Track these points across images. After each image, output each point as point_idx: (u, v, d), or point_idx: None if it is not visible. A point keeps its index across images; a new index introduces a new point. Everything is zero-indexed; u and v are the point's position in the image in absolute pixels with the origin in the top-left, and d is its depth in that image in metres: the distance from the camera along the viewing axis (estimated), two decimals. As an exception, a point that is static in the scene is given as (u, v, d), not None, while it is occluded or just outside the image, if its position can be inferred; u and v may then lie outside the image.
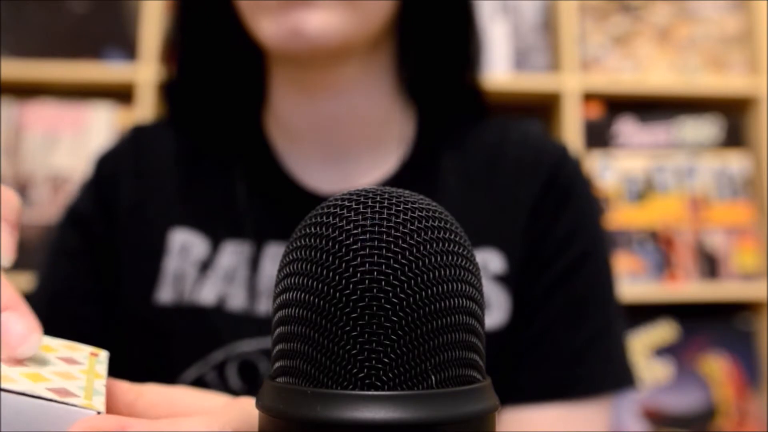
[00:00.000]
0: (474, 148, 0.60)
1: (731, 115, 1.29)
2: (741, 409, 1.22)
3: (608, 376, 0.54)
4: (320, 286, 0.22)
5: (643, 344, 1.23)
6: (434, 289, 0.22)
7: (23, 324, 0.27)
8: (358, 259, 0.22)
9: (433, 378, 0.22)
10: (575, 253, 0.55)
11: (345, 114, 0.57)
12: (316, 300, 0.22)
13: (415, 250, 0.22)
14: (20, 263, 1.26)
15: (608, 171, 1.26)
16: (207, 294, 0.55)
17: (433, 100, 0.61)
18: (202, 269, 0.56)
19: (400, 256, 0.22)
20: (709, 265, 1.24)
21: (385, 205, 0.23)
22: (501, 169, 0.58)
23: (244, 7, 0.53)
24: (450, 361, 0.22)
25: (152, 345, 0.55)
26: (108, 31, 1.25)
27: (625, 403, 1.21)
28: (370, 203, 0.23)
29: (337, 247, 0.22)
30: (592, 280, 0.56)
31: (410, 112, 0.61)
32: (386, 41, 0.57)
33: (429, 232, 0.23)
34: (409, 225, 0.23)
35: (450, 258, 0.23)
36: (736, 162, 1.27)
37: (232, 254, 0.56)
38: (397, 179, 0.57)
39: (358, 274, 0.22)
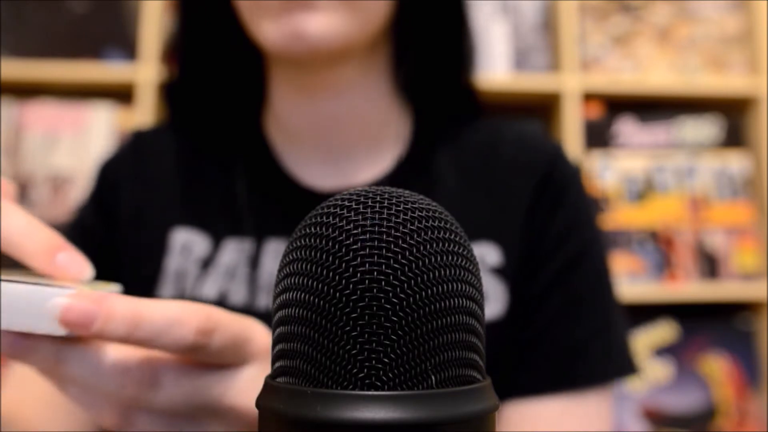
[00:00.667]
0: (469, 146, 0.60)
1: (731, 115, 1.29)
2: (741, 409, 1.22)
3: (609, 365, 0.54)
4: (320, 286, 0.22)
5: (643, 344, 1.23)
6: (434, 289, 0.22)
7: (77, 261, 0.36)
8: (358, 259, 0.22)
9: (433, 378, 0.22)
10: (572, 250, 0.56)
11: (344, 114, 0.58)
12: (316, 300, 0.22)
13: (415, 250, 0.22)
14: (20, 263, 1.25)
15: (608, 171, 1.26)
16: (208, 290, 0.56)
17: (428, 100, 0.62)
18: (203, 267, 0.57)
19: (400, 256, 0.22)
20: (709, 265, 1.24)
21: (385, 205, 0.23)
22: (496, 168, 0.59)
23: (244, 9, 0.53)
24: (450, 361, 0.22)
25: None
26: (108, 31, 1.25)
27: (625, 403, 1.21)
28: (370, 203, 0.23)
29: (337, 247, 0.22)
30: (590, 275, 0.56)
31: (406, 112, 0.62)
32: (383, 42, 0.58)
33: (429, 232, 0.23)
34: (409, 225, 0.23)
35: (450, 258, 0.23)
36: (736, 162, 1.27)
37: (233, 251, 0.57)
38: (394, 176, 0.58)
39: (358, 274, 0.22)
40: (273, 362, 0.24)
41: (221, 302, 0.55)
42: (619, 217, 1.24)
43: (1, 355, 0.33)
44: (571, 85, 1.23)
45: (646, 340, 1.24)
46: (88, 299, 0.30)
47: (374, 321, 0.21)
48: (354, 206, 0.23)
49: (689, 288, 1.21)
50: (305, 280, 0.22)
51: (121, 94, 1.22)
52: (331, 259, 0.22)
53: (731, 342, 1.24)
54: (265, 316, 0.57)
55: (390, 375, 0.21)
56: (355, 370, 0.21)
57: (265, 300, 0.56)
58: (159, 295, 0.57)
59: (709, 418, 1.22)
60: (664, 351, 1.24)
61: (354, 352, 0.21)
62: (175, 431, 0.34)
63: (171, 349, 0.31)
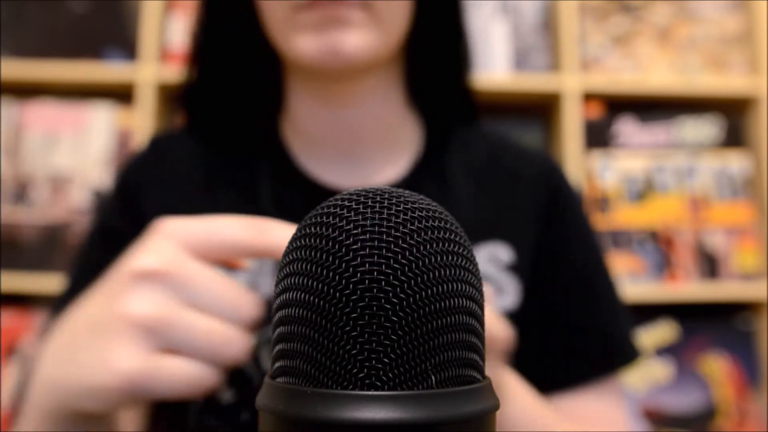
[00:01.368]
0: (476, 150, 0.65)
1: (731, 115, 1.29)
2: (741, 409, 1.22)
3: (629, 349, 0.61)
4: (320, 286, 0.22)
5: (643, 344, 1.23)
6: (434, 289, 0.22)
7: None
8: (358, 259, 0.22)
9: (433, 378, 0.22)
10: (580, 252, 0.63)
11: (362, 122, 0.61)
12: (316, 300, 0.22)
13: (415, 250, 0.22)
14: (20, 263, 1.25)
15: (608, 171, 1.26)
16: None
17: (437, 105, 0.66)
18: (227, 269, 0.57)
19: (400, 256, 0.22)
20: (709, 265, 1.24)
21: (385, 205, 0.23)
22: (501, 172, 0.64)
23: (274, 22, 0.55)
24: (450, 361, 0.22)
25: None
26: (108, 31, 1.25)
27: (625, 403, 1.21)
28: (370, 203, 0.23)
29: (336, 247, 0.22)
30: (600, 269, 0.63)
31: (417, 117, 0.66)
32: (397, 53, 0.61)
33: (429, 232, 0.23)
34: (409, 225, 0.23)
35: (450, 258, 0.23)
36: (736, 162, 1.27)
37: None
38: (410, 179, 0.62)
39: (358, 274, 0.22)
40: (273, 362, 0.24)
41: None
42: (619, 217, 1.24)
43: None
44: (571, 85, 1.23)
45: (646, 340, 1.24)
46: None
47: (374, 321, 0.21)
48: (354, 206, 0.23)
49: (689, 288, 1.21)
50: (305, 280, 0.22)
51: (121, 94, 1.22)
52: (331, 259, 0.22)
53: (731, 342, 1.24)
54: None
55: (390, 375, 0.21)
56: (355, 370, 0.21)
57: None
58: None
59: (709, 418, 1.22)
60: (664, 351, 1.24)
61: (354, 352, 0.21)
62: None
63: None
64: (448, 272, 0.23)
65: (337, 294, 0.22)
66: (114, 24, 1.26)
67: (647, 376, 1.23)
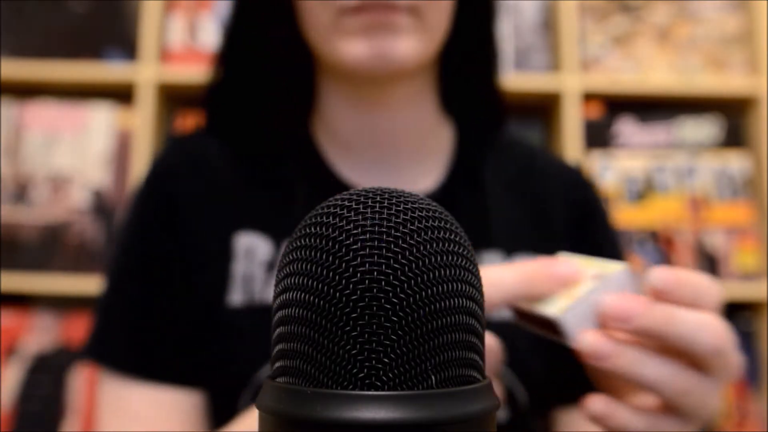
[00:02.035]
0: (509, 159, 0.66)
1: (731, 115, 1.29)
2: (741, 409, 1.22)
3: None
4: (320, 286, 0.22)
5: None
6: (434, 289, 0.22)
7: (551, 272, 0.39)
8: (358, 259, 0.22)
9: (433, 378, 0.22)
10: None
11: (398, 127, 0.60)
12: (316, 300, 0.22)
13: (415, 250, 0.22)
14: (20, 263, 1.25)
15: (608, 171, 1.26)
16: None
17: (471, 111, 0.66)
18: (268, 269, 0.58)
19: (400, 256, 0.22)
20: (709, 265, 1.24)
21: (385, 205, 0.23)
22: (531, 184, 0.65)
23: (318, 26, 0.54)
24: (450, 361, 0.22)
25: (225, 347, 0.56)
26: (108, 31, 1.25)
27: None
28: (370, 203, 0.23)
29: (337, 247, 0.22)
30: None
31: (449, 122, 0.66)
32: (433, 59, 0.61)
33: (429, 232, 0.23)
34: (409, 225, 0.23)
35: (450, 258, 0.23)
36: (736, 162, 1.27)
37: None
38: (446, 187, 0.62)
39: (358, 274, 0.22)
40: (273, 362, 0.24)
41: None
42: (619, 217, 1.24)
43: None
44: (571, 85, 1.23)
45: (646, 340, 1.24)
46: (626, 297, 0.36)
47: (374, 321, 0.21)
48: (354, 206, 0.23)
49: (689, 288, 1.21)
50: (305, 280, 0.22)
51: (121, 94, 1.22)
52: (331, 259, 0.22)
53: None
54: None
55: (390, 375, 0.21)
56: (355, 370, 0.21)
57: None
58: (229, 300, 0.57)
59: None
60: (664, 351, 1.24)
61: (354, 352, 0.21)
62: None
63: (697, 352, 0.36)
64: (448, 272, 0.23)
65: (337, 294, 0.22)
66: (114, 24, 1.26)
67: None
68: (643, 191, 1.26)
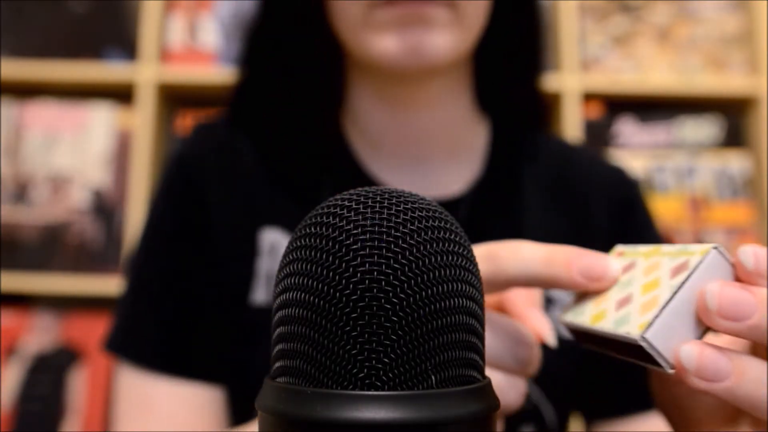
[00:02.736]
0: (544, 162, 0.63)
1: (731, 115, 1.29)
2: (741, 409, 1.22)
3: None
4: (320, 286, 0.22)
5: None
6: (434, 289, 0.22)
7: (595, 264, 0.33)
8: (358, 259, 0.22)
9: (433, 378, 0.22)
10: None
11: (430, 126, 0.59)
12: (316, 300, 0.22)
13: (415, 250, 0.22)
14: (20, 263, 1.25)
15: (608, 171, 1.26)
16: None
17: (507, 110, 0.64)
18: None
19: (400, 256, 0.22)
20: (709, 265, 1.24)
21: (385, 205, 0.23)
22: (570, 186, 0.62)
23: (348, 18, 0.52)
24: (450, 361, 0.22)
25: (248, 346, 0.56)
26: (108, 31, 1.25)
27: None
28: (370, 203, 0.23)
29: (337, 247, 0.22)
30: None
31: (484, 123, 0.63)
32: (468, 55, 0.59)
33: (429, 232, 0.23)
34: (409, 225, 0.23)
35: (450, 258, 0.23)
36: (736, 162, 1.27)
37: None
38: (482, 187, 0.59)
39: (358, 274, 0.22)
40: (273, 362, 0.24)
41: None
42: (619, 217, 1.24)
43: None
44: (571, 85, 1.23)
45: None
46: (735, 285, 0.26)
47: (374, 321, 0.21)
48: (354, 206, 0.23)
49: (689, 288, 1.21)
50: (305, 280, 0.22)
51: (121, 94, 1.22)
52: (331, 259, 0.22)
53: (731, 342, 1.24)
54: None
55: (390, 375, 0.21)
56: (355, 370, 0.21)
57: None
58: (253, 299, 0.56)
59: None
60: (664, 351, 1.24)
61: (354, 352, 0.21)
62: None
63: None
64: (448, 272, 0.23)
65: (337, 294, 0.22)
66: (114, 24, 1.26)
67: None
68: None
